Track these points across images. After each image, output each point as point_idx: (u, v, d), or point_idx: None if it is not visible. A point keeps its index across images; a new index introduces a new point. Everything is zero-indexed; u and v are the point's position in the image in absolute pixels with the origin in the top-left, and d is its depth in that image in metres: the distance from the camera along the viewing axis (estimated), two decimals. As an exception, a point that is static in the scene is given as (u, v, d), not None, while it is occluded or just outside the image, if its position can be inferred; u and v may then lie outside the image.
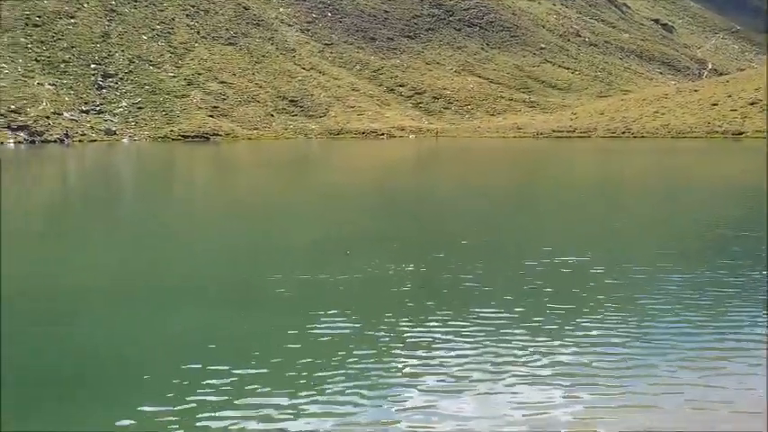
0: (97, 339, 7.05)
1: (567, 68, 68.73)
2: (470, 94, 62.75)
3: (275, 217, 15.43)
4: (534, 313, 7.30)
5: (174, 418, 5.15)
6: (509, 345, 6.45)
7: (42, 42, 51.63)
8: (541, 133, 53.03)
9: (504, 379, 5.67)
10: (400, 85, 62.03)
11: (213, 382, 5.71)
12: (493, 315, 7.31)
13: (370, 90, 59.80)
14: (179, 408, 5.30)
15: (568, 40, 74.41)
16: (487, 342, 6.53)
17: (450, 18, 73.22)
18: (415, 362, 6.10)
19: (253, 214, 15.82)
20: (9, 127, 43.04)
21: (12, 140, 41.73)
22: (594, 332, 6.75)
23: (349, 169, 30.13)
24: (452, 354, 6.24)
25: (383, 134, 51.46)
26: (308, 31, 65.38)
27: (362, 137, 50.83)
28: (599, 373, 5.72)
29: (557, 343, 6.53)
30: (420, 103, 60.74)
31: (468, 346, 6.46)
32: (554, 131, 53.36)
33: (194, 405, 5.34)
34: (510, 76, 66.19)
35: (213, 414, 5.19)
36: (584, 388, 5.44)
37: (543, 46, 71.07)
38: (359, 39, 66.49)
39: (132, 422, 5.14)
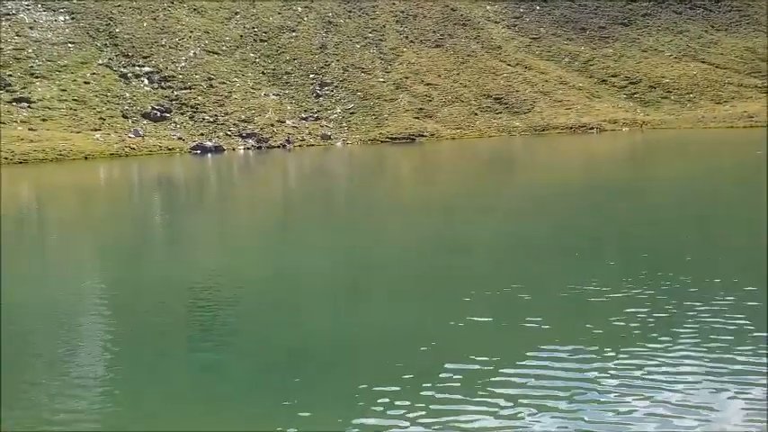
0: (316, 327, 7.89)
1: (810, 47, 60.77)
2: (692, 81, 57.88)
3: (484, 217, 15.57)
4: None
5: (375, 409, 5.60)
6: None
7: (268, 56, 56.55)
8: (777, 121, 47.55)
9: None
10: (613, 76, 58.95)
11: (408, 377, 6.09)
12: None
13: (580, 82, 57.60)
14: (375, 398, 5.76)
15: (811, 14, 65.73)
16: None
17: (671, 1, 68.12)
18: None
19: (462, 213, 16.11)
20: (240, 135, 47.80)
21: (242, 147, 46.31)
22: None
23: (556, 166, 29.43)
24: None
25: (593, 128, 49.36)
26: (515, 26, 64.57)
27: (570, 132, 49.18)
28: None
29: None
30: (635, 93, 57.26)
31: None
32: (792, 119, 47.58)
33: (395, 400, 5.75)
34: (739, 59, 60.01)
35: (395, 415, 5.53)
36: None
37: (780, 23, 63.55)
38: (568, 30, 64.30)
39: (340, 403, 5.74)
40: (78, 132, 44.26)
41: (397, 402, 5.61)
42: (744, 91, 55.79)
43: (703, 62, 60.00)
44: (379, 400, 5.66)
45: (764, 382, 5.68)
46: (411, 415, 5.39)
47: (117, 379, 6.50)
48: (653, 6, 67.24)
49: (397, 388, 5.85)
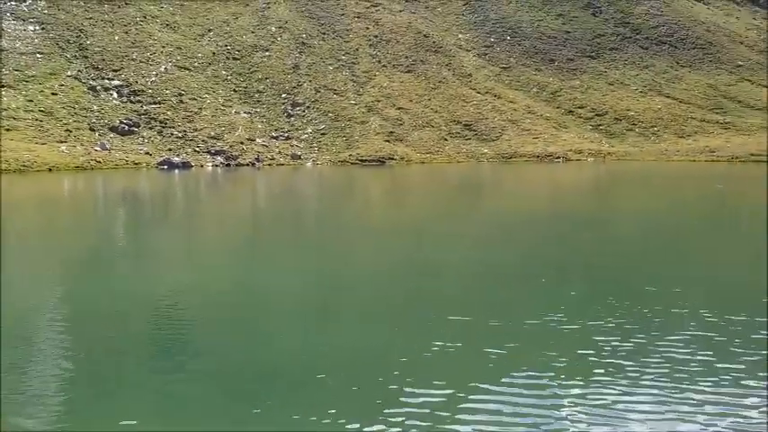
0: (284, 347, 7.78)
1: (769, 86, 62.84)
2: (657, 115, 59.38)
3: (453, 242, 15.57)
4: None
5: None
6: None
7: (240, 74, 56.48)
8: (737, 157, 48.91)
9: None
10: (580, 107, 60.19)
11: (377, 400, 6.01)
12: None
13: (547, 112, 58.63)
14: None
15: (771, 55, 68.07)
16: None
17: (637, 36, 70.00)
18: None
19: (432, 238, 16.09)
20: (209, 151, 47.47)
21: (210, 163, 45.96)
22: None
23: (523, 194, 29.75)
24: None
25: (559, 158, 50.15)
26: (486, 55, 65.61)
27: (537, 160, 49.90)
28: None
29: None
30: (600, 125, 58.51)
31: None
32: (752, 155, 48.98)
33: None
34: (702, 95, 61.80)
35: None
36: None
37: (741, 63, 65.62)
38: (537, 61, 65.59)
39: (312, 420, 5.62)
40: (44, 144, 43.51)
41: (365, 426, 5.57)
42: (706, 126, 57.35)
43: (668, 97, 61.63)
44: (346, 423, 5.62)
45: (731, 412, 5.77)
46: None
47: (68, 402, 6.24)
48: (620, 41, 68.96)
49: (365, 410, 5.82)
